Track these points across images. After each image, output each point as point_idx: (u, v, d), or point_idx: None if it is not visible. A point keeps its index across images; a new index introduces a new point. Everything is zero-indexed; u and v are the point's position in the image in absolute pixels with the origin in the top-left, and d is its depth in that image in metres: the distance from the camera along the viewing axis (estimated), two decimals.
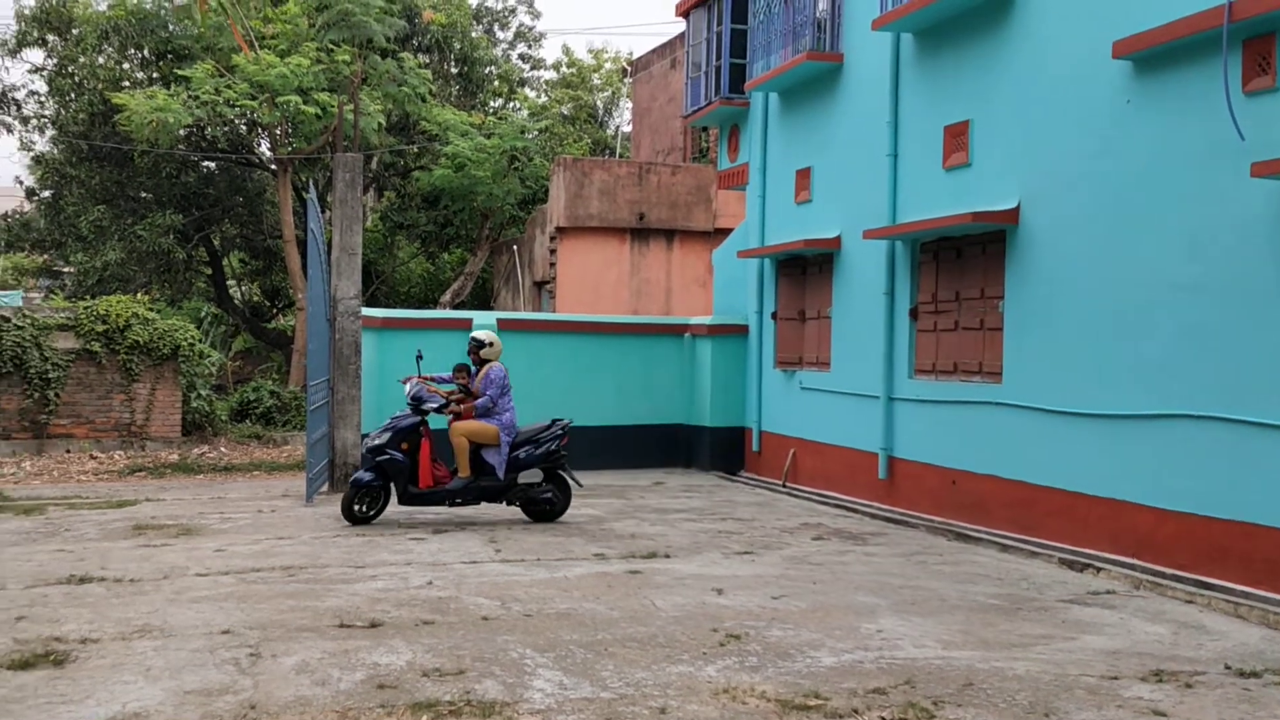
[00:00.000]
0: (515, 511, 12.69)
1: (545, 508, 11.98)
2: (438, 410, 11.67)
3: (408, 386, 11.80)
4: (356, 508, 11.66)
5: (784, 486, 15.41)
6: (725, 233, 20.38)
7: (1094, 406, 10.32)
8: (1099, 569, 9.63)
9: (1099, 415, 10.26)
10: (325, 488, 14.19)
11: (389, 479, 11.71)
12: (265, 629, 7.26)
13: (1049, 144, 11.07)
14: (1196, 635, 7.54)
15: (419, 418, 11.70)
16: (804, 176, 15.56)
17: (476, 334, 11.86)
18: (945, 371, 12.66)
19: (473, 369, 12.00)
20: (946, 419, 12.45)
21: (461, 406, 11.71)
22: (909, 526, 12.25)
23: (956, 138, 12.35)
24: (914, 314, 13.18)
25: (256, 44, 23.10)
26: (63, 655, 6.58)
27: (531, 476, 11.87)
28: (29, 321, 19.98)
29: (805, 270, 15.77)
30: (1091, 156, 10.50)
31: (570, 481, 12.11)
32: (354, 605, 7.94)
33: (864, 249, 13.96)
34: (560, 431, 12.07)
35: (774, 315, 16.42)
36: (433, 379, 12.09)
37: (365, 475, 11.65)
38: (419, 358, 12.25)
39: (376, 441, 11.62)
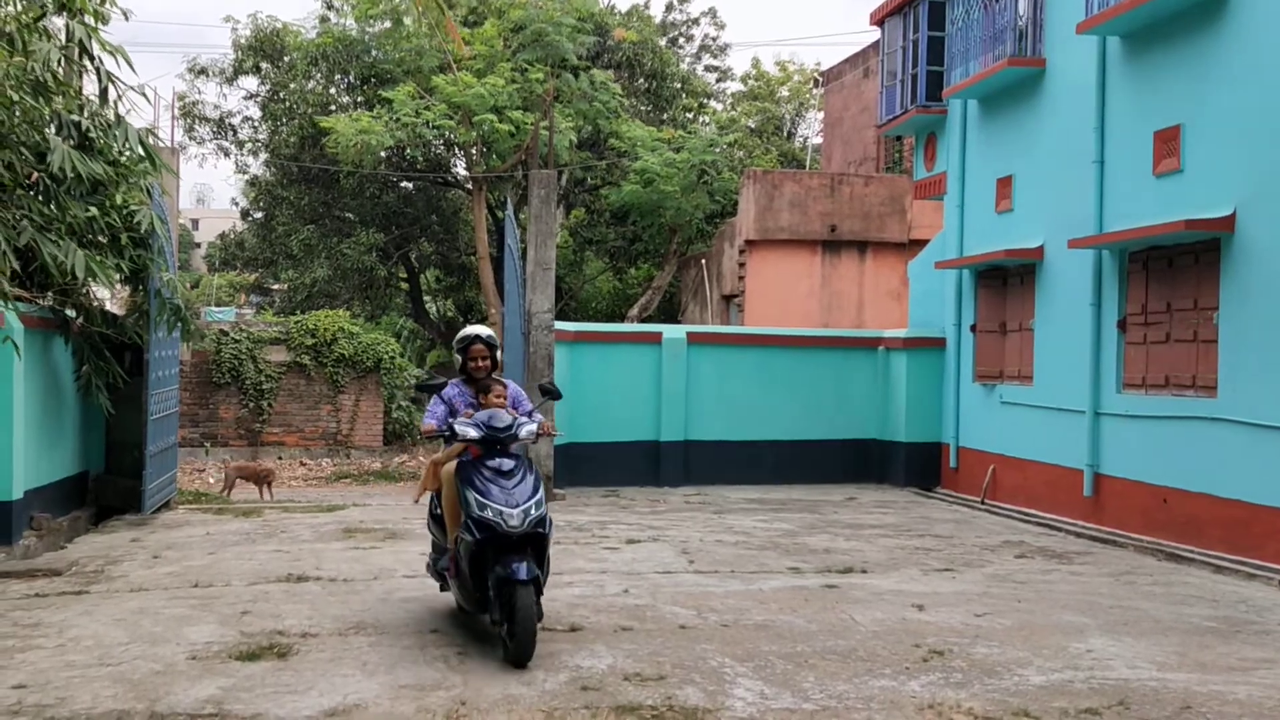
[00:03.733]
0: (709, 521, 12.71)
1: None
2: (535, 438, 7.39)
3: (469, 427, 7.15)
4: None
5: (983, 504, 15.01)
6: (920, 244, 20.00)
7: None
8: None
9: None
10: None
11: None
12: (470, 629, 7.48)
13: (1266, 148, 10.50)
14: None
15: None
16: (1005, 185, 15.16)
17: (481, 330, 7.71)
18: (1156, 385, 12.12)
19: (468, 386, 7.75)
20: (1157, 434, 11.91)
21: (548, 429, 7.63)
22: (1116, 546, 11.77)
23: (1167, 143, 11.84)
24: (1122, 326, 12.67)
25: (454, 66, 23.91)
26: (285, 648, 6.93)
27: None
28: (245, 335, 21.18)
29: (1006, 281, 15.35)
30: None
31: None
32: (553, 610, 8.07)
33: (1068, 259, 13.50)
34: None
35: (973, 328, 16.04)
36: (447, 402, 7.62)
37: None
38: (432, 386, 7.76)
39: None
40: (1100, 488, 12.85)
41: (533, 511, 6.80)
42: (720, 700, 6.00)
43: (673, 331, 16.94)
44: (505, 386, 7.63)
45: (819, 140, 35.55)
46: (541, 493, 6.99)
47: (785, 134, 40.38)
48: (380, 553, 10.50)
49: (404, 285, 32.01)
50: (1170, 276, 11.98)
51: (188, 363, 20.01)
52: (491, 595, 6.71)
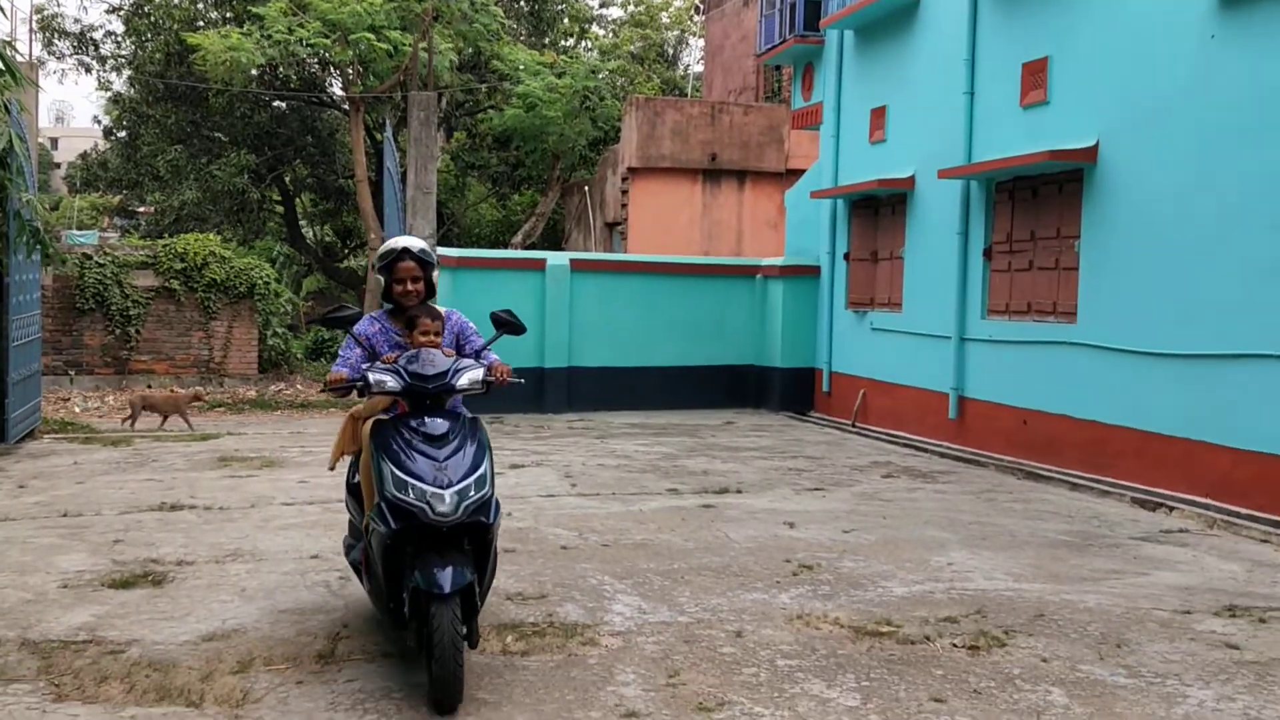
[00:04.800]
0: (591, 446, 12.88)
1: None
2: (484, 387, 5.42)
3: (386, 375, 5.28)
4: None
5: (853, 426, 15.45)
6: (797, 174, 20.27)
7: (1171, 346, 10.23)
8: (1172, 508, 9.61)
9: (1176, 355, 10.17)
10: None
11: None
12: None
13: (1130, 82, 10.89)
14: (1272, 573, 7.53)
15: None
16: (879, 116, 15.43)
17: (411, 242, 5.76)
18: (1019, 312, 12.58)
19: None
20: (1019, 359, 12.39)
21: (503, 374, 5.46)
22: (979, 465, 12.26)
23: (1035, 75, 12.18)
24: (988, 254, 13.08)
25: None
26: (160, 576, 6.87)
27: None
28: (110, 260, 20.49)
29: (878, 211, 15.68)
30: (1173, 94, 10.32)
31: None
32: None
33: (938, 189, 13.85)
34: None
35: (846, 256, 16.37)
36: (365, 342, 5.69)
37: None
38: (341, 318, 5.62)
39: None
40: (964, 410, 13.33)
41: (471, 494, 4.88)
42: (599, 616, 6.16)
43: (556, 259, 16.94)
44: (443, 319, 5.63)
45: (700, 68, 35.53)
46: (487, 467, 5.05)
47: (667, 61, 40.24)
48: (257, 481, 10.41)
49: (278, 209, 31.23)
50: (1035, 206, 12.39)
51: (50, 288, 19.31)
52: (406, 610, 4.93)
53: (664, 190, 22.77)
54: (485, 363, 5.44)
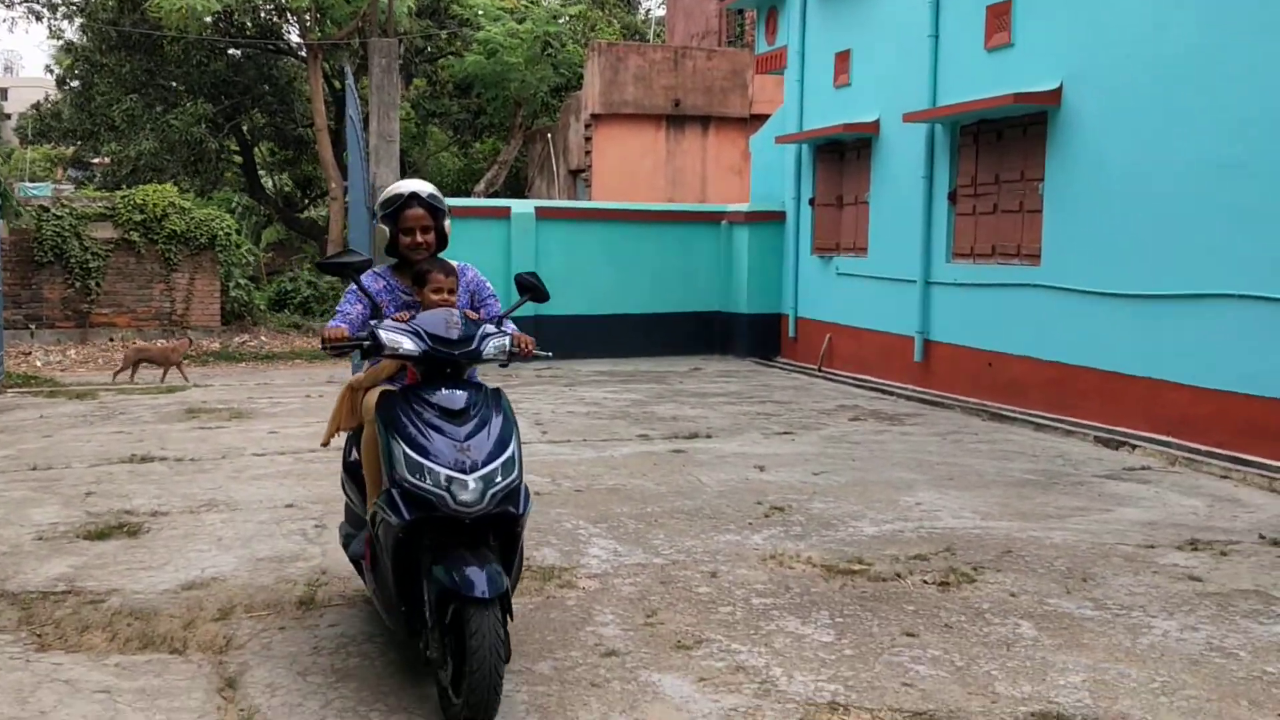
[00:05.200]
0: (560, 393, 12.93)
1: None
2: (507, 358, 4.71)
3: (403, 336, 4.46)
4: None
5: (820, 371, 15.57)
6: (761, 119, 20.22)
7: (1133, 287, 10.37)
8: (1134, 446, 9.79)
9: (1138, 296, 10.32)
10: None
11: None
12: (327, 503, 7.52)
13: (1093, 24, 10.93)
14: (1231, 508, 7.71)
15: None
16: (843, 60, 15.40)
17: (420, 186, 4.98)
18: (983, 255, 12.68)
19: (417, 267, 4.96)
20: (983, 302, 12.52)
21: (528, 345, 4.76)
22: (944, 408, 12.42)
23: (999, 17, 12.19)
24: (953, 198, 13.16)
25: None
26: (135, 526, 6.88)
27: None
28: (67, 212, 20.21)
29: (843, 155, 15.71)
30: (1137, 36, 10.38)
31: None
32: None
33: (903, 133, 13.88)
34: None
35: (811, 201, 16.40)
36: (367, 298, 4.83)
37: None
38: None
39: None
40: (930, 353, 13.47)
41: (498, 480, 4.18)
42: (575, 559, 6.24)
43: (521, 206, 16.88)
44: (458, 275, 4.93)
45: (661, 13, 35.24)
46: (515, 448, 4.34)
47: (628, 6, 39.86)
48: (227, 432, 10.39)
49: (237, 159, 30.86)
50: (999, 149, 12.46)
51: (6, 242, 19.03)
52: (428, 614, 4.16)
53: (627, 137, 22.68)
54: (507, 331, 4.66)
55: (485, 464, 4.18)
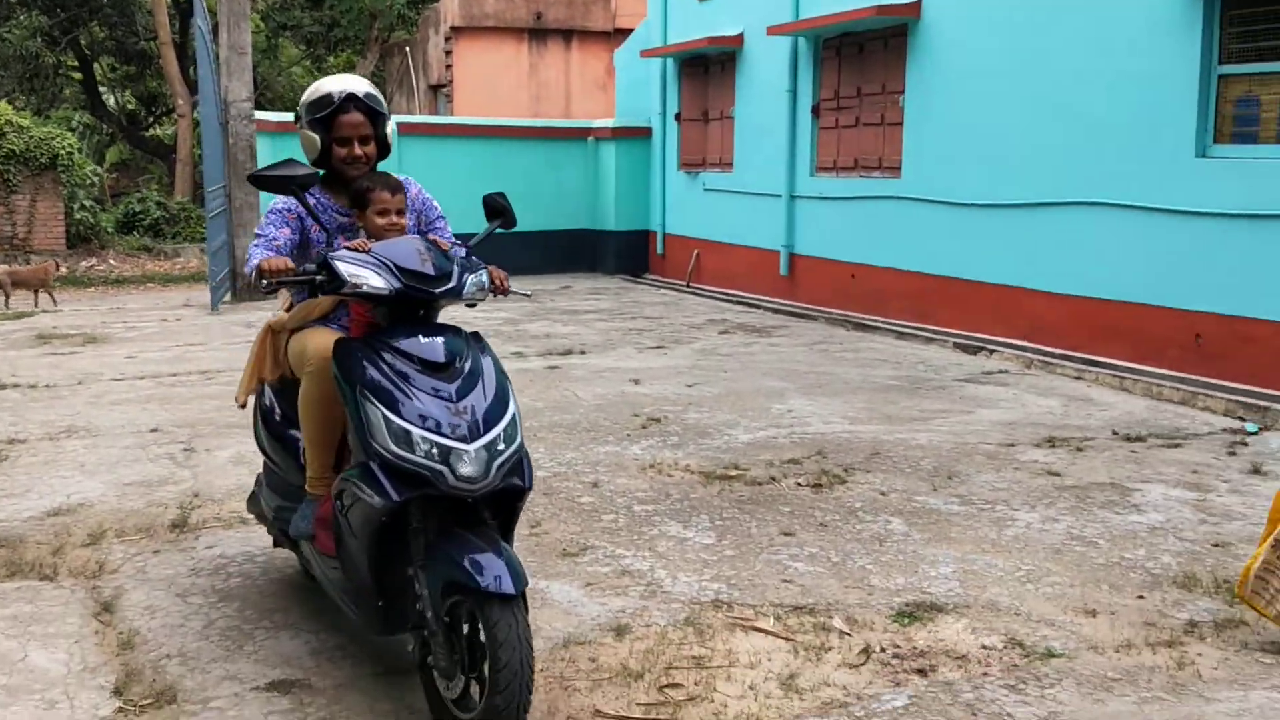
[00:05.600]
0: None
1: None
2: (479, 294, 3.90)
3: (369, 269, 3.57)
4: None
5: (688, 287, 15.69)
6: (626, 33, 20.02)
7: (989, 197, 10.67)
8: (992, 351, 10.15)
9: (994, 205, 10.63)
10: (229, 297, 14.04)
11: None
12: (194, 427, 7.35)
13: None
14: (1085, 407, 8.09)
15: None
16: None
17: (357, 84, 4.14)
18: (846, 168, 12.88)
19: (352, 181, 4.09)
20: (847, 215, 12.74)
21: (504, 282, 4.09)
22: (810, 319, 12.66)
23: None
24: (816, 111, 13.29)
25: None
26: None
27: None
28: None
29: (708, 70, 15.69)
30: None
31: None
32: None
33: (767, 46, 13.92)
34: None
35: (677, 117, 16.38)
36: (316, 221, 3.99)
37: None
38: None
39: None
40: (795, 266, 13.69)
41: (501, 447, 3.41)
42: None
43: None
44: (404, 190, 4.03)
45: None
46: (515, 407, 3.57)
47: None
48: (81, 358, 10.01)
49: (75, 75, 29.31)
50: (861, 62, 12.61)
51: None
52: (428, 614, 3.36)
53: (489, 51, 22.25)
54: (481, 264, 3.88)
55: (486, 429, 3.39)
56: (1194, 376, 8.52)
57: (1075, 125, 9.68)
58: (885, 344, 11.01)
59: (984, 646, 4.07)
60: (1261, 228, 8.14)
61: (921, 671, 3.88)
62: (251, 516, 4.80)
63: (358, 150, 4.04)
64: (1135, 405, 8.15)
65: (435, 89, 24.47)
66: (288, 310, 4.17)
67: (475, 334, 3.76)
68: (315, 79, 30.00)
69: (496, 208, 4.17)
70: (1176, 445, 6.96)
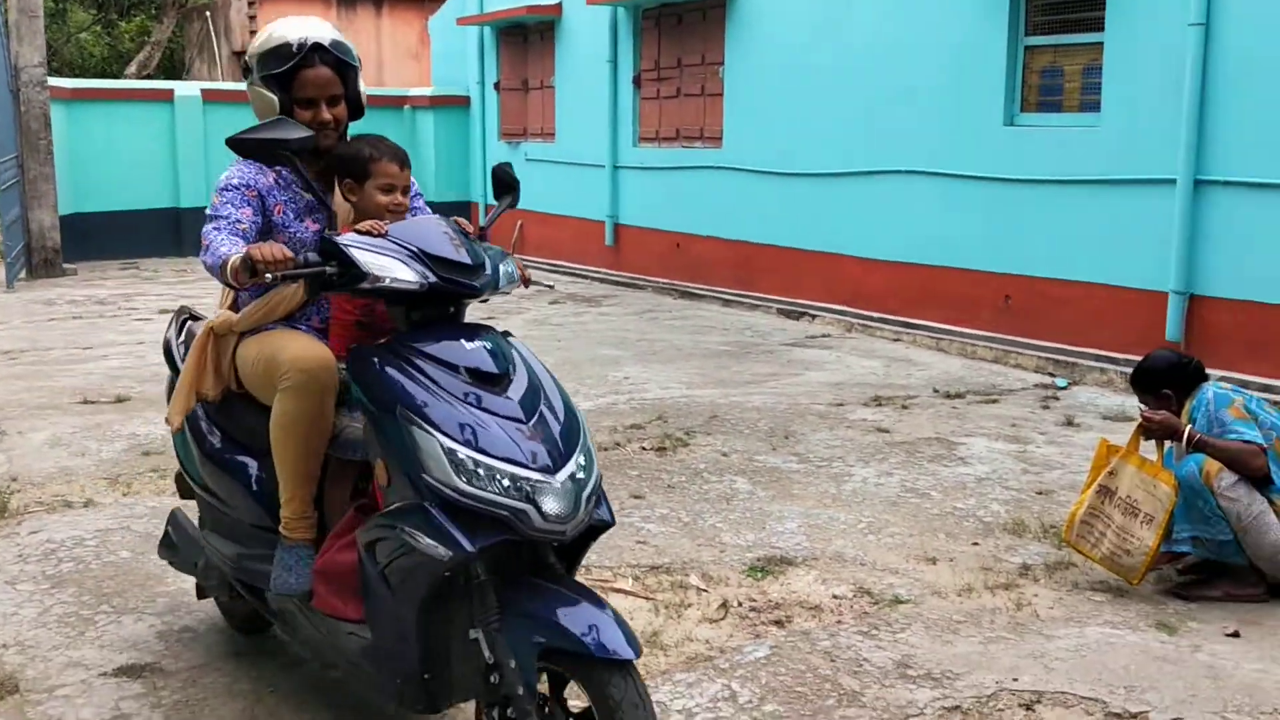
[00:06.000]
0: None
1: None
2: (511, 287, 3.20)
3: (397, 260, 2.83)
4: None
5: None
6: (440, 0, 19.66)
7: (808, 167, 10.95)
8: (814, 316, 10.46)
9: (814, 174, 10.91)
10: (24, 274, 13.26)
11: None
12: (2, 409, 6.94)
13: None
14: (906, 367, 8.42)
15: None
16: None
17: (323, 30, 3.34)
18: (668, 138, 13.01)
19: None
20: (670, 185, 12.87)
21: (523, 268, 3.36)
22: (637, 289, 12.77)
23: None
24: (637, 81, 13.37)
25: None
26: None
27: None
28: None
29: (527, 39, 15.57)
30: None
31: None
32: (93, 384, 7.69)
33: (586, 16, 13.90)
34: None
35: (496, 86, 16.22)
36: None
37: None
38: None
39: None
40: (620, 237, 13.77)
41: (582, 476, 2.75)
42: None
43: (185, 89, 15.74)
44: (410, 166, 3.33)
45: None
46: (583, 421, 2.93)
47: None
48: None
49: None
50: (681, 32, 12.73)
51: None
52: (521, 690, 2.62)
53: (294, 16, 21.50)
54: (501, 252, 3.11)
55: (567, 455, 2.74)
56: (1006, 336, 8.95)
57: (890, 95, 10.01)
58: (712, 311, 11.20)
59: (835, 596, 4.22)
60: (1065, 193, 8.61)
61: (778, 623, 3.99)
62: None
63: (325, 114, 3.27)
64: (952, 365, 8.54)
65: (239, 55, 23.54)
66: (232, 308, 3.37)
67: (507, 333, 3.05)
68: (107, 45, 28.60)
69: (507, 181, 3.43)
70: (994, 401, 7.33)
